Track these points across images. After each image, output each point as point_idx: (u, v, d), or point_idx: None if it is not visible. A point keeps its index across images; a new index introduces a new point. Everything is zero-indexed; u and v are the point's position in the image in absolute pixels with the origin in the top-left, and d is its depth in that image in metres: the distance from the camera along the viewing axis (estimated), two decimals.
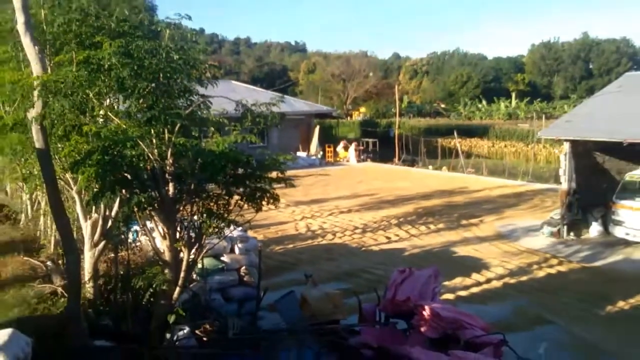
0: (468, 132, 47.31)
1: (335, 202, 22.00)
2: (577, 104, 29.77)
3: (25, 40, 5.81)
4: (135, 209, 6.14)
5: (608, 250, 14.53)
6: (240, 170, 6.46)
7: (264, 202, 6.85)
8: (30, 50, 5.84)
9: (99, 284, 8.12)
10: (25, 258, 10.16)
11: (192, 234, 6.65)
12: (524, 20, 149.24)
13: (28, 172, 9.31)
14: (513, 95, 79.35)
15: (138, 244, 10.24)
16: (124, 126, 6.10)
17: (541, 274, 12.76)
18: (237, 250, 10.24)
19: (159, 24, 7.42)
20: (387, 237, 16.22)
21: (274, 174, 6.92)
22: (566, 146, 16.31)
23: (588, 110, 18.07)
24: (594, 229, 16.05)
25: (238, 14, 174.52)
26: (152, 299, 7.41)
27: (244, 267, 10.16)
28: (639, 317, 10.15)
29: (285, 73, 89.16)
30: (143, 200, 5.97)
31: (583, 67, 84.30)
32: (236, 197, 6.73)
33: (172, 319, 6.20)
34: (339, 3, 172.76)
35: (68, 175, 7.79)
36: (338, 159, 38.37)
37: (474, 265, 13.32)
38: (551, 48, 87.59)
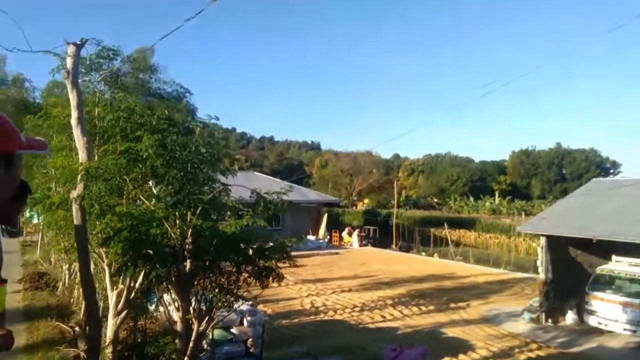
0: (457, 223, 47.03)
1: (338, 281, 21.48)
2: (552, 203, 29.76)
3: (77, 132, 5.96)
4: (154, 281, 6.00)
5: (583, 337, 13.83)
6: (250, 251, 6.35)
7: (270, 280, 6.66)
8: (79, 140, 5.99)
9: (118, 350, 7.77)
10: (57, 323, 9.85)
11: (204, 307, 6.43)
12: (506, 130, 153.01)
13: (69, 244, 9.24)
14: (497, 193, 79.76)
15: (157, 314, 9.93)
16: (152, 207, 6.10)
17: (522, 357, 12.09)
18: (245, 323, 9.89)
19: (191, 122, 7.63)
20: (383, 316, 15.63)
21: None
22: (542, 240, 16.05)
23: (561, 209, 17.96)
24: (570, 317, 15.41)
25: (264, 116, 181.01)
26: None
27: (250, 339, 9.77)
28: None
29: (302, 167, 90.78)
30: (162, 274, 5.85)
31: (557, 172, 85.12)
32: (245, 274, 6.56)
33: None
34: (349, 110, 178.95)
35: (102, 250, 7.71)
36: (343, 243, 38.01)
37: (461, 345, 12.68)
38: (529, 155, 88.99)
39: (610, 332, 13.75)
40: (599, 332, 13.99)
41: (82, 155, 6.04)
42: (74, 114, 6.02)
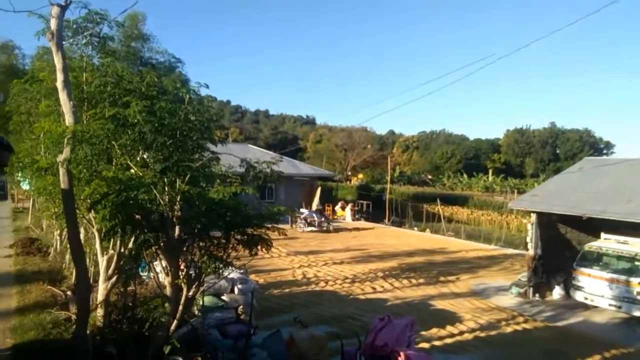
0: (450, 200, 47.31)
1: (330, 254, 21.66)
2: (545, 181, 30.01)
3: (63, 96, 5.85)
4: (143, 246, 5.98)
5: (569, 312, 14.07)
6: (239, 219, 6.33)
7: (259, 248, 6.66)
8: (65, 104, 5.88)
9: (109, 313, 7.83)
10: (48, 287, 9.88)
11: (193, 273, 6.44)
12: (500, 108, 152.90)
13: (59, 210, 9.17)
14: (490, 171, 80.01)
15: (149, 279, 9.97)
16: (140, 174, 6.04)
17: (508, 329, 12.31)
18: (236, 291, 9.95)
19: (181, 90, 7.49)
20: (373, 288, 15.82)
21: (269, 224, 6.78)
22: (533, 217, 16.17)
23: (552, 187, 18.03)
24: (557, 292, 15.66)
25: (260, 89, 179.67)
26: (152, 330, 7.12)
27: (241, 307, 9.84)
28: None
29: (296, 141, 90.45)
30: (150, 239, 5.84)
31: (551, 152, 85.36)
32: (235, 241, 6.56)
33: (167, 349, 5.90)
34: (346, 85, 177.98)
35: (91, 215, 7.67)
36: (336, 216, 38.17)
37: (449, 317, 12.88)
38: (523, 134, 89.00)
39: (595, 307, 13.98)
40: (585, 307, 14.22)
41: (68, 119, 5.93)
42: (60, 77, 5.88)
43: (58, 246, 13.02)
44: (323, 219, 30.49)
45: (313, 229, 29.18)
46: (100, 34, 7.37)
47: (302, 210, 31.59)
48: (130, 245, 7.35)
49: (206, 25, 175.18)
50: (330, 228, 30.10)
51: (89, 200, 6.89)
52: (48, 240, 14.68)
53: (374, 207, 40.56)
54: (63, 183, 5.66)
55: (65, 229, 11.41)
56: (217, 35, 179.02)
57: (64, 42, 6.14)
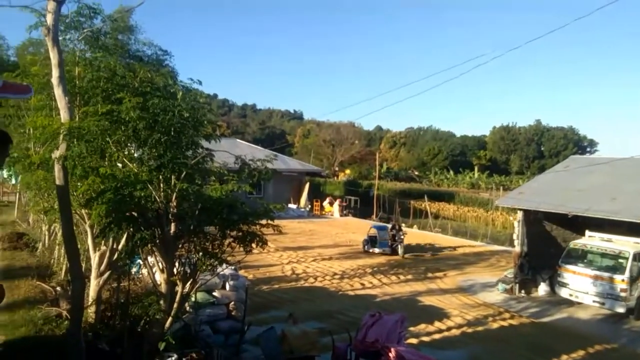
0: (437, 196, 47.62)
1: (318, 250, 21.74)
2: (530, 179, 30.29)
3: (58, 92, 5.80)
4: (138, 244, 5.97)
5: (554, 308, 14.36)
6: (235, 216, 6.35)
7: (253, 245, 6.70)
8: (61, 100, 5.83)
9: (101, 309, 7.80)
10: (37, 282, 9.80)
11: (188, 270, 6.46)
12: (487, 105, 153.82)
13: (49, 205, 9.10)
14: (476, 168, 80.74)
15: (139, 275, 9.94)
16: (135, 170, 6.03)
17: (495, 325, 12.53)
18: (227, 287, 9.98)
19: (174, 86, 7.46)
20: (362, 284, 15.95)
21: (264, 221, 6.82)
22: (520, 214, 16.42)
23: (538, 185, 18.31)
24: (542, 289, 15.94)
25: (247, 83, 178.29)
26: (146, 326, 7.13)
27: (232, 303, 9.88)
28: None
29: (284, 136, 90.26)
30: (146, 236, 5.84)
31: (536, 149, 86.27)
32: (230, 239, 6.59)
33: (162, 346, 5.92)
34: (334, 81, 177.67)
35: (84, 211, 7.63)
36: (324, 212, 38.28)
37: (437, 313, 13.07)
38: (509, 131, 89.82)
39: (580, 303, 14.28)
40: (569, 303, 14.52)
41: (63, 115, 5.90)
42: (55, 72, 5.83)
43: (46, 241, 12.89)
44: (396, 236, 21.66)
45: (380, 250, 21.31)
46: (94, 29, 7.30)
47: (374, 224, 24.76)
48: (123, 241, 7.34)
49: (193, 18, 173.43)
50: (399, 251, 21.24)
51: (82, 197, 6.86)
52: (36, 235, 14.51)
53: (361, 203, 40.75)
54: (58, 179, 5.63)
55: (54, 224, 11.34)
56: (204, 28, 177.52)
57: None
